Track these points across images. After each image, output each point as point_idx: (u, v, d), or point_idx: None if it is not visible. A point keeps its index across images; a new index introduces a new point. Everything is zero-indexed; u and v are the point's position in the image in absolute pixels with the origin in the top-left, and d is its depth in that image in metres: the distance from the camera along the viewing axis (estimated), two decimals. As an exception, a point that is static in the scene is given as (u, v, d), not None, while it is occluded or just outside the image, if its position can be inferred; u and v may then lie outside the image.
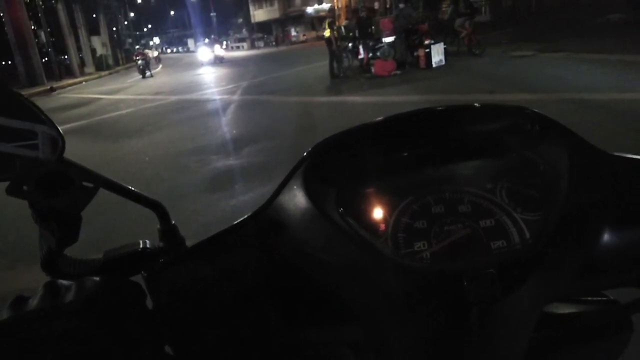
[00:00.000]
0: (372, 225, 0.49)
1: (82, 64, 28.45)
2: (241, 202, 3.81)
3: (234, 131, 6.88)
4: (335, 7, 36.88)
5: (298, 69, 15.57)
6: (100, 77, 25.56)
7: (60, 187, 0.43)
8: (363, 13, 12.44)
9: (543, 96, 6.30)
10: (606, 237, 0.46)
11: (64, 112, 11.49)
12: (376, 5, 30.01)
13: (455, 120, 0.55)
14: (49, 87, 19.37)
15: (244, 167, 4.89)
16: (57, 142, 0.43)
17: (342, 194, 0.50)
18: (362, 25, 12.12)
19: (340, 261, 0.45)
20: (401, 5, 12.50)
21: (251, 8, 51.67)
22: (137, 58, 21.50)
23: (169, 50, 72.89)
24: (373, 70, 11.14)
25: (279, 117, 7.74)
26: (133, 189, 0.49)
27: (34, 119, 0.42)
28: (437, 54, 11.05)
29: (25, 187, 0.42)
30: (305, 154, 0.51)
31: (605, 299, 0.58)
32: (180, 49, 73.43)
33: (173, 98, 12.01)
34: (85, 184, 0.44)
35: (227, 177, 4.65)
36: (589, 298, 0.58)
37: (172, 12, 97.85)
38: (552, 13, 19.66)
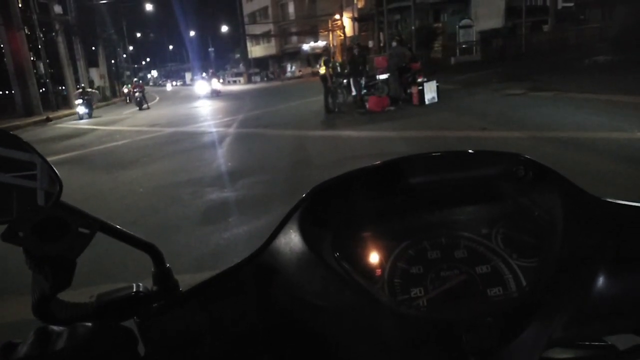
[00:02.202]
0: (368, 270, 0.49)
1: (80, 95, 28.69)
2: (235, 235, 3.77)
3: (229, 163, 6.90)
4: (331, 45, 37.87)
5: (293, 103, 15.79)
6: (97, 108, 25.71)
7: (56, 234, 0.42)
8: (355, 50, 12.76)
9: (533, 134, 6.42)
10: (601, 283, 0.46)
11: (60, 142, 11.47)
12: (370, 43, 30.73)
13: (451, 165, 0.55)
14: (45, 117, 19.43)
15: (239, 200, 4.88)
16: (55, 185, 0.42)
17: (338, 238, 0.50)
18: (354, 62, 12.39)
19: (335, 307, 0.44)
20: (393, 44, 12.84)
21: (249, 44, 52.88)
22: (135, 90, 21.81)
23: (174, 83, 72.97)
24: (367, 105, 11.33)
25: (274, 151, 7.80)
26: (129, 232, 0.49)
27: (32, 151, 0.42)
28: (430, 92, 11.29)
29: (21, 233, 0.41)
30: (301, 197, 0.51)
31: (603, 344, 0.58)
32: (177, 82, 73.91)
33: (169, 130, 12.07)
34: (81, 229, 0.44)
35: (221, 209, 4.62)
36: (588, 343, 0.58)
37: (170, 47, 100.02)
38: (541, 54, 20.32)
